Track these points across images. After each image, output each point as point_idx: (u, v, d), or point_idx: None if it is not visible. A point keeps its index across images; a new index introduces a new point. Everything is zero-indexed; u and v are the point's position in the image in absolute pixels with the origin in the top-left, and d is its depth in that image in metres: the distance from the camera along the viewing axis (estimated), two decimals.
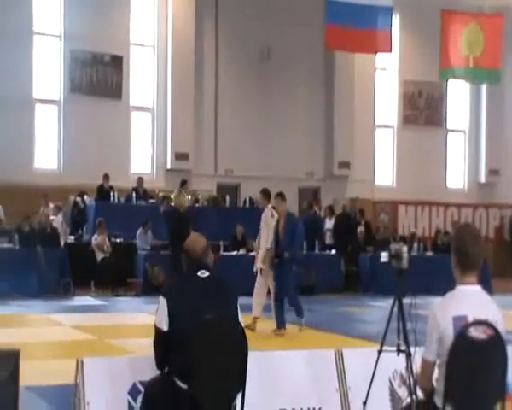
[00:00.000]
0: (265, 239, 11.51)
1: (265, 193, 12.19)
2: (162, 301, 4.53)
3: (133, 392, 4.94)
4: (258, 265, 11.31)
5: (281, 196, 11.68)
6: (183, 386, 4.38)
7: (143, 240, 17.24)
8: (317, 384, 5.49)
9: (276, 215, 11.71)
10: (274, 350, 6.24)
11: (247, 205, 20.99)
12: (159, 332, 4.54)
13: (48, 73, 20.78)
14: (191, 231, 10.17)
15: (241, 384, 4.44)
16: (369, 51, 22.62)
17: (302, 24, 23.15)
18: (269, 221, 11.57)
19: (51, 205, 18.37)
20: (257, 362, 5.05)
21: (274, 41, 22.93)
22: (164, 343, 4.53)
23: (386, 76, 25.40)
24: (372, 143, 25.06)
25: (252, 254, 17.95)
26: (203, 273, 4.64)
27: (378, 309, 14.07)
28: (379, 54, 23.55)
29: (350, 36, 20.94)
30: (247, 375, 4.43)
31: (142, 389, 4.84)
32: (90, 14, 20.60)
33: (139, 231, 17.27)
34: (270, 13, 22.81)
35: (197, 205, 19.42)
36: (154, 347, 4.62)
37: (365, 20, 21.07)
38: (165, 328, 4.49)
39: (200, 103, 22.40)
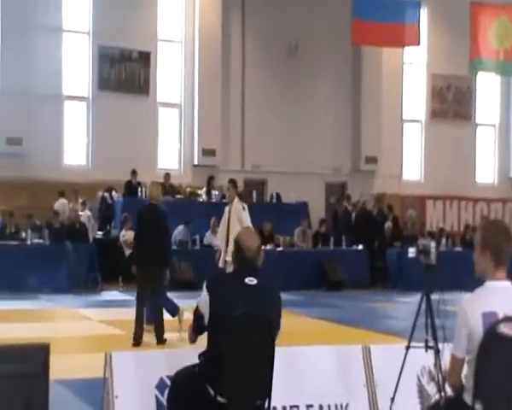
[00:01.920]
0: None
1: (234, 184, 12.00)
2: (206, 294, 4.42)
3: (161, 386, 4.96)
4: (228, 259, 10.81)
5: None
6: (211, 392, 4.35)
7: (183, 237, 17.36)
8: (344, 380, 5.48)
9: (246, 207, 11.54)
10: (301, 346, 6.23)
11: (274, 200, 21.01)
12: (199, 317, 4.48)
13: (77, 69, 20.93)
14: (165, 227, 10.03)
15: (268, 386, 4.40)
16: (396, 45, 22.49)
17: (329, 18, 23.06)
18: (240, 214, 11.35)
19: (80, 200, 18.54)
20: (284, 358, 5.05)
21: (301, 35, 22.86)
22: (201, 328, 4.49)
23: (414, 70, 25.21)
24: (400, 137, 24.91)
25: (279, 249, 18.05)
26: (251, 281, 4.42)
27: (406, 305, 13.99)
28: (407, 48, 23.41)
29: (377, 30, 20.84)
30: (275, 370, 4.43)
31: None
32: (118, 11, 20.70)
33: (181, 228, 17.36)
34: (297, 7, 22.73)
35: (224, 200, 19.46)
36: (194, 315, 4.57)
37: (393, 14, 20.95)
38: (205, 320, 4.42)
39: (227, 99, 22.42)
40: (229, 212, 11.42)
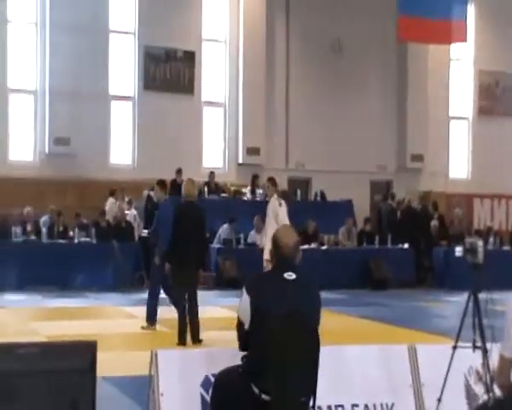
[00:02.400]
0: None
1: (273, 182, 11.82)
2: (246, 297, 4.43)
3: (206, 384, 4.98)
4: (266, 257, 10.66)
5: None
6: (256, 390, 4.36)
7: (227, 235, 17.45)
8: (389, 380, 5.44)
9: (283, 203, 11.33)
10: (346, 345, 6.20)
11: (319, 199, 20.95)
12: (241, 325, 4.50)
13: (122, 69, 21.16)
14: (204, 225, 9.71)
15: (313, 384, 4.41)
16: (443, 42, 22.22)
17: (374, 15, 22.88)
18: (277, 210, 11.21)
19: (126, 199, 18.73)
20: (329, 357, 5.03)
21: (345, 33, 22.74)
22: (245, 334, 4.50)
23: (460, 66, 24.88)
24: (446, 135, 24.60)
25: (324, 248, 18.00)
26: (290, 276, 4.44)
27: (452, 304, 13.83)
28: (453, 44, 23.11)
29: (423, 27, 20.62)
30: (319, 369, 4.42)
31: None
32: (163, 11, 20.87)
33: (225, 227, 17.46)
34: (342, 5, 22.63)
35: (267, 200, 19.48)
36: (237, 333, 4.58)
37: (440, 10, 20.70)
38: (246, 325, 4.45)
39: (271, 98, 22.43)
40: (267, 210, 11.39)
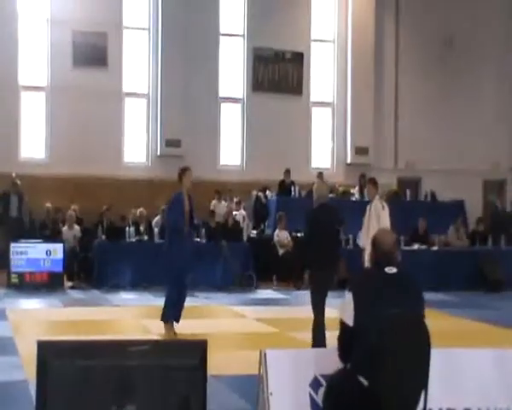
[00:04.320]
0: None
1: (374, 182, 11.64)
2: (349, 296, 4.54)
3: (314, 385, 4.97)
4: (366, 259, 10.09)
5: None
6: (365, 382, 4.36)
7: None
8: (505, 385, 5.26)
9: (386, 206, 11.09)
10: (459, 348, 6.05)
11: (429, 199, 20.54)
12: (344, 327, 4.56)
13: (231, 71, 21.45)
14: (338, 228, 9.55)
15: (423, 382, 4.37)
16: None
17: (488, 8, 22.28)
18: (379, 213, 10.97)
19: (234, 200, 18.97)
20: (441, 359, 4.93)
21: (457, 27, 22.24)
22: (348, 338, 4.54)
23: None
24: None
25: (434, 248, 17.61)
26: (391, 269, 4.60)
27: None
28: None
29: None
30: (431, 371, 4.35)
31: (324, 382, 4.88)
32: (271, 13, 21.03)
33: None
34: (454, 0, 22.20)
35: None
36: (338, 341, 4.65)
37: None
38: (351, 323, 4.50)
39: (380, 97, 22.18)
40: (369, 211, 11.26)
